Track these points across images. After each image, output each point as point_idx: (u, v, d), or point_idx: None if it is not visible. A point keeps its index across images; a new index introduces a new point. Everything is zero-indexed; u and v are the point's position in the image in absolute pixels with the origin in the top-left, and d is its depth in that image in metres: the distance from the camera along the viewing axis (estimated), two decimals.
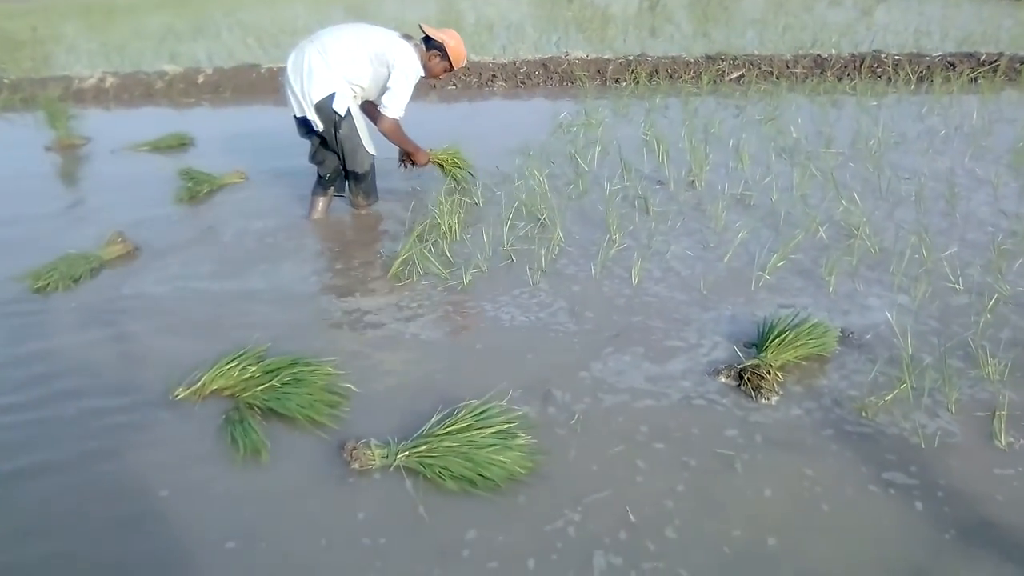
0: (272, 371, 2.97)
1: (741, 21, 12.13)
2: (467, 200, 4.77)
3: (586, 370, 2.98)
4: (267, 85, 8.98)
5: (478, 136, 6.23)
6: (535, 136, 6.33)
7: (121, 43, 13.29)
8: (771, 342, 2.97)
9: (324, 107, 4.41)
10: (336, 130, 4.49)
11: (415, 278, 3.82)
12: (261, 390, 2.87)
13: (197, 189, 5.30)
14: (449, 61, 4.72)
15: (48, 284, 3.99)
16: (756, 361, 2.89)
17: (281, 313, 3.61)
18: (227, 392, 2.96)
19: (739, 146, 5.59)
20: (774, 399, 2.77)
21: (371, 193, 4.93)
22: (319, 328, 3.45)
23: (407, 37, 4.63)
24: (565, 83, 8.86)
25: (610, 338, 3.20)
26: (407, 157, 5.01)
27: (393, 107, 4.54)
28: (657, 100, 7.39)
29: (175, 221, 4.90)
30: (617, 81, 8.68)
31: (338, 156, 4.68)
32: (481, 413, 2.60)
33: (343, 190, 4.97)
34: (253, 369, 2.99)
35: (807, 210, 4.40)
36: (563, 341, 3.20)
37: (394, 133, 4.68)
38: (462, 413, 2.60)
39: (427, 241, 4.14)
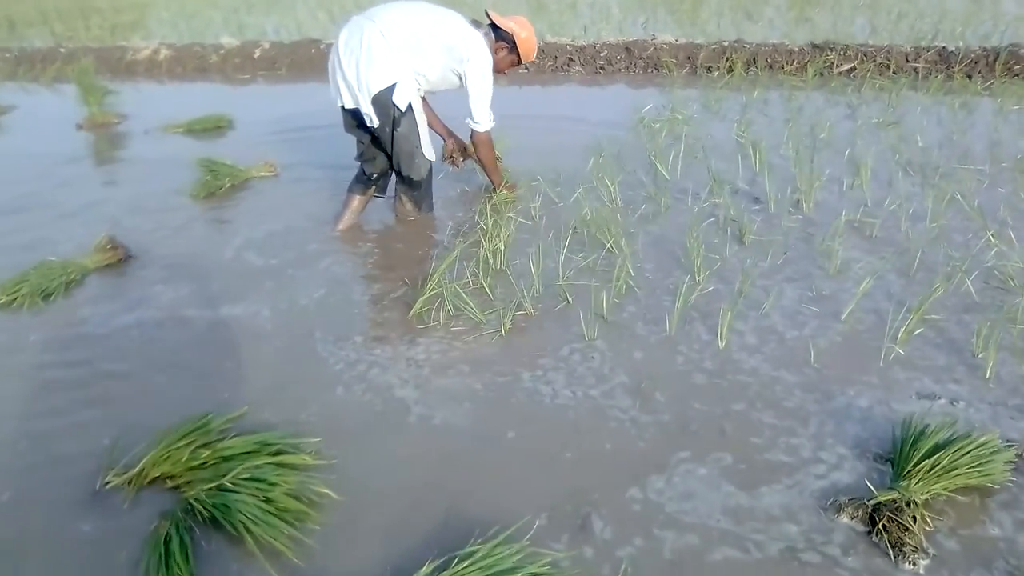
0: (230, 458, 2.23)
1: (848, 6, 10.89)
2: (519, 218, 3.92)
3: (642, 487, 2.16)
4: (324, 61, 8.28)
5: (546, 128, 5.41)
6: (611, 131, 5.48)
7: (194, 11, 12.85)
8: (915, 464, 2.08)
9: (383, 99, 3.70)
10: (394, 127, 3.78)
11: (442, 319, 3.03)
12: (207, 490, 2.12)
13: (217, 183, 4.62)
14: (518, 55, 4.03)
15: (15, 299, 3.35)
16: (895, 494, 2.01)
17: (270, 359, 2.89)
18: (171, 483, 2.23)
19: (855, 157, 4.62)
20: (922, 563, 1.89)
21: (423, 202, 4.19)
22: (310, 387, 2.71)
23: (476, 24, 3.91)
24: (650, 70, 7.92)
25: (682, 436, 2.36)
26: (456, 154, 4.33)
27: (483, 117, 3.92)
28: (755, 94, 6.41)
29: (182, 222, 4.23)
30: (709, 70, 7.69)
31: (389, 158, 3.96)
32: (490, 563, 1.80)
33: (385, 192, 4.26)
34: (207, 454, 2.25)
35: (948, 250, 3.44)
36: (618, 436, 2.38)
37: (487, 150, 4.08)
38: (466, 565, 1.79)
39: (464, 268, 3.34)
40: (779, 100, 6.32)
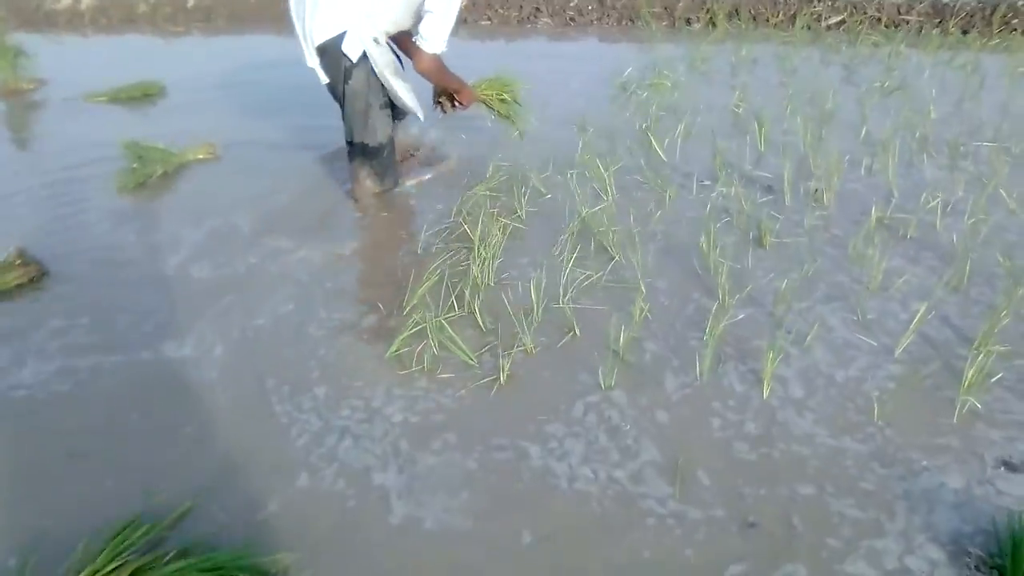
0: None
1: None
2: (504, 219, 3.38)
3: None
4: (267, 11, 7.52)
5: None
6: (592, 98, 4.95)
7: None
8: None
9: (330, 49, 3.24)
10: (345, 81, 3.31)
11: (426, 362, 2.50)
12: None
13: (147, 172, 3.99)
14: None
15: None
16: None
17: (216, 426, 2.36)
18: None
19: (870, 133, 4.15)
20: None
21: (386, 174, 3.66)
22: (268, 471, 2.17)
23: None
24: (624, 22, 7.32)
25: (739, 539, 1.89)
26: (447, 96, 3.77)
27: (434, 38, 3.32)
28: (743, 52, 5.86)
29: (108, 224, 3.59)
30: (688, 23, 7.13)
31: (345, 120, 3.47)
32: None
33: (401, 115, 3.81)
34: None
35: (1002, 255, 2.99)
36: (658, 538, 1.92)
37: (435, 71, 3.49)
38: None
39: (447, 286, 2.81)
40: (770, 59, 5.80)
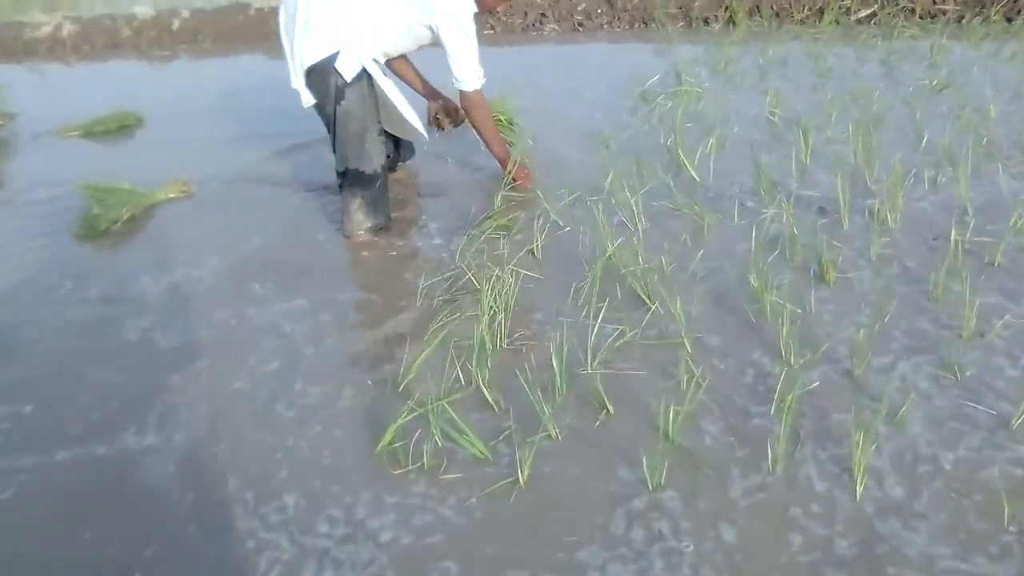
0: None
1: None
2: (514, 256, 2.88)
3: None
4: (256, 31, 7.08)
5: (528, 109, 4.29)
6: (610, 109, 4.46)
7: None
8: None
9: (321, 71, 2.93)
10: (337, 102, 3.04)
11: (425, 458, 2.00)
12: None
13: (110, 216, 3.50)
14: None
15: None
16: None
17: (171, 553, 1.84)
18: None
19: (929, 139, 3.63)
20: None
21: (378, 206, 3.24)
22: None
23: None
24: (637, 24, 6.82)
25: None
26: (445, 113, 3.60)
27: (468, 77, 3.17)
28: (770, 52, 5.34)
29: (54, 282, 3.11)
30: (707, 22, 6.61)
31: (334, 145, 3.16)
32: None
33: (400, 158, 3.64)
34: None
35: None
36: None
37: (482, 113, 3.32)
38: None
39: (450, 351, 2.31)
40: (800, 59, 5.28)
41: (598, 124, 4.20)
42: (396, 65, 3.48)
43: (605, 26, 6.88)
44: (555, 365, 2.24)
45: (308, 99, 3.12)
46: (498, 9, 3.32)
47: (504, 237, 3.06)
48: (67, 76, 7.00)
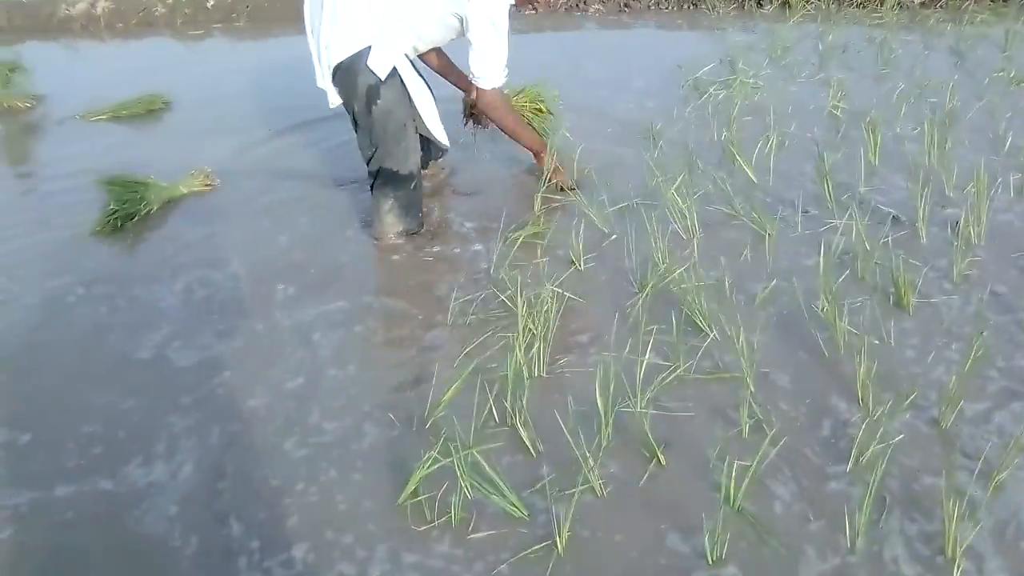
0: None
1: None
2: (554, 270, 2.63)
3: None
4: (291, 8, 6.80)
5: (570, 104, 4.00)
6: (660, 100, 4.15)
7: None
8: None
9: (350, 68, 2.69)
10: (370, 102, 2.78)
11: (453, 512, 1.77)
12: None
13: (130, 210, 3.31)
14: None
15: None
16: None
17: None
18: None
19: (1009, 137, 3.30)
20: None
21: (411, 210, 3.03)
22: None
23: None
24: (687, 6, 6.47)
25: None
26: (476, 114, 3.28)
27: (488, 74, 2.88)
28: (829, 38, 4.98)
29: (63, 288, 2.90)
30: (760, 4, 6.24)
31: (369, 145, 2.90)
32: None
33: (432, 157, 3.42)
34: None
35: None
36: None
37: (501, 110, 3.03)
38: None
39: (479, 384, 2.08)
40: (863, 46, 4.93)
41: (647, 116, 3.91)
42: (427, 56, 3.23)
43: (652, 7, 6.55)
44: (599, 404, 1.98)
45: (335, 99, 2.90)
46: (536, 3, 3.04)
47: (543, 246, 2.80)
48: (99, 54, 6.83)
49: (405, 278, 2.80)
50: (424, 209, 3.11)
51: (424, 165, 3.42)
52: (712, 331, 2.29)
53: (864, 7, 5.88)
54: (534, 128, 3.34)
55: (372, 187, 3.01)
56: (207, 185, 3.60)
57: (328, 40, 2.77)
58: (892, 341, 2.24)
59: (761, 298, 2.47)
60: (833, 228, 2.81)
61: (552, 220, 3.00)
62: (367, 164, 3.00)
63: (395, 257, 2.94)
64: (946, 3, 5.77)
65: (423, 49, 3.04)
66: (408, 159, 2.93)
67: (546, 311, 2.34)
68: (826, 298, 2.34)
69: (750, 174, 3.24)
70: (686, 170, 3.19)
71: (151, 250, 3.13)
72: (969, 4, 5.56)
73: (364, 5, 2.71)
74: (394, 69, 2.79)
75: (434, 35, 2.95)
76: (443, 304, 2.57)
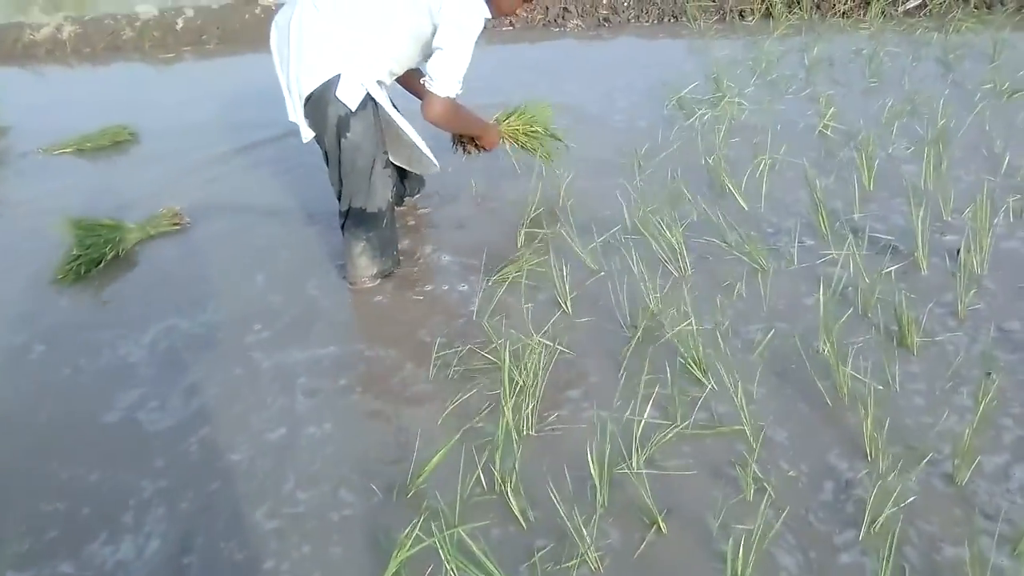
0: None
1: None
2: (541, 314, 2.49)
3: None
4: (263, 29, 6.65)
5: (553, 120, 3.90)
6: (644, 119, 4.03)
7: None
8: None
9: (320, 99, 2.56)
10: (341, 134, 2.65)
11: None
12: None
13: (94, 255, 3.16)
14: None
15: None
16: None
17: None
18: None
19: (1006, 155, 3.21)
20: None
21: (386, 249, 2.89)
22: None
23: None
24: (667, 19, 6.38)
25: None
26: (469, 139, 3.06)
27: (445, 78, 2.62)
28: (815, 51, 4.89)
29: (19, 344, 2.74)
30: (742, 15, 6.15)
31: (338, 181, 2.77)
32: None
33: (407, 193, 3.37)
34: None
35: None
36: None
37: (448, 118, 2.74)
38: None
39: (465, 449, 1.95)
40: (849, 57, 4.83)
41: (631, 139, 3.80)
42: (405, 78, 3.09)
43: (632, 21, 6.45)
44: (593, 469, 1.85)
45: (308, 133, 2.77)
46: (516, 13, 2.91)
47: (528, 286, 2.67)
48: (65, 81, 6.67)
49: (384, 324, 2.66)
50: (402, 245, 2.98)
51: (399, 201, 3.29)
52: (709, 381, 2.17)
53: (849, 16, 5.79)
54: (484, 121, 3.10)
55: (343, 227, 2.87)
56: (176, 224, 3.46)
57: (297, 71, 2.64)
58: (897, 386, 2.12)
59: (758, 342, 2.33)
60: (830, 260, 2.69)
61: (536, 256, 2.86)
62: (338, 201, 2.86)
63: (375, 299, 2.81)
64: (931, 11, 5.69)
65: (400, 71, 2.90)
66: (376, 196, 2.79)
67: (534, 362, 2.20)
68: (826, 340, 2.21)
69: (741, 201, 3.12)
70: (673, 199, 3.06)
71: (118, 299, 2.98)
72: (955, 13, 5.47)
73: (329, 32, 2.59)
74: (366, 98, 2.65)
75: (412, 55, 2.80)
76: (425, 353, 2.43)
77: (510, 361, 2.13)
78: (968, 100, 3.98)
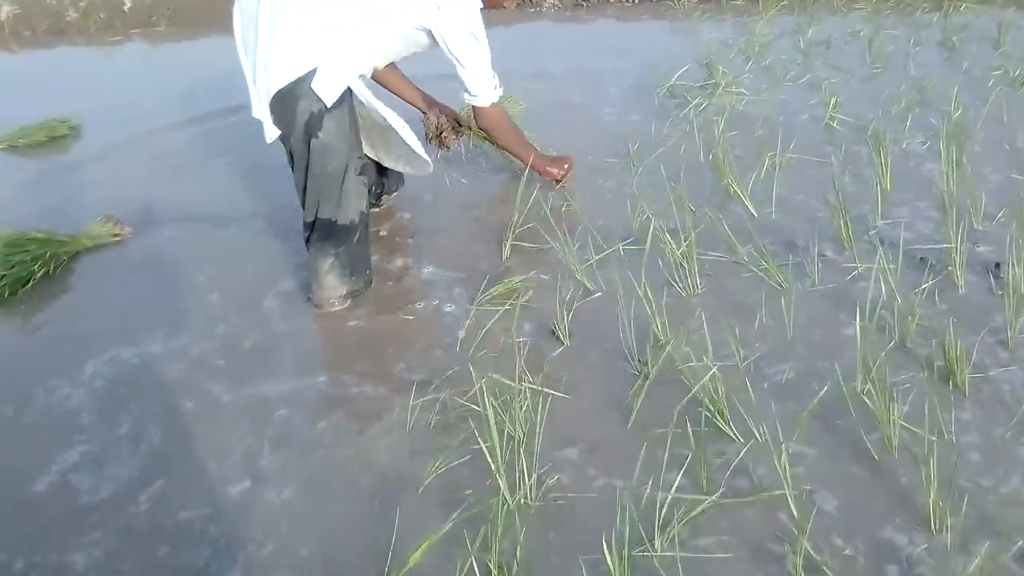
0: None
1: None
2: (533, 349, 2.17)
3: None
4: (215, 9, 6.23)
5: (534, 113, 3.55)
6: (634, 111, 3.73)
7: None
8: None
9: (290, 95, 2.27)
10: (311, 134, 2.31)
11: None
12: None
13: (21, 275, 2.77)
14: None
15: None
16: None
17: None
18: None
19: None
20: None
21: (357, 267, 2.53)
22: None
23: None
24: None
25: None
26: (447, 127, 2.98)
27: (482, 90, 2.62)
28: (809, 33, 4.58)
29: None
30: None
31: (304, 187, 2.41)
32: None
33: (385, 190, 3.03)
34: None
35: None
36: None
37: (503, 128, 2.81)
38: None
39: (463, 546, 1.64)
40: (847, 40, 4.55)
41: (623, 133, 3.49)
42: (381, 74, 2.75)
43: (612, 0, 6.07)
44: (607, 554, 1.53)
45: (272, 132, 2.40)
46: (504, 5, 2.59)
47: (519, 308, 2.33)
48: (2, 67, 6.16)
49: (356, 357, 2.32)
50: (376, 257, 2.64)
51: (377, 200, 2.96)
52: (735, 434, 1.85)
53: None
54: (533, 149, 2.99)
55: (308, 241, 2.51)
56: (116, 236, 3.08)
57: (266, 60, 2.28)
58: (953, 436, 1.82)
59: (787, 381, 2.03)
60: (857, 275, 2.39)
61: (526, 272, 2.53)
62: (303, 210, 2.50)
63: (346, 325, 2.46)
64: None
65: (381, 65, 2.59)
66: (348, 206, 2.45)
67: (524, 409, 1.87)
68: (864, 378, 1.91)
69: (749, 206, 2.81)
70: (674, 203, 2.74)
71: (50, 327, 2.59)
72: None
73: (311, 16, 2.24)
74: (344, 94, 2.33)
75: (395, 50, 2.54)
76: (402, 394, 2.10)
77: (500, 411, 1.80)
78: (979, 88, 3.71)
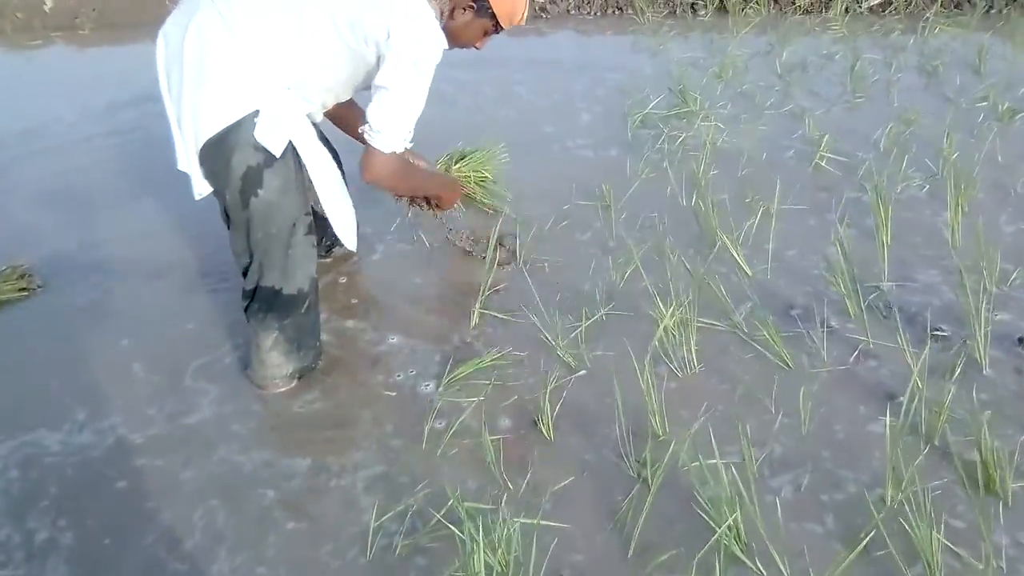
0: None
1: None
2: (509, 443, 1.87)
3: None
4: (145, 13, 5.76)
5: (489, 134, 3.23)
6: (605, 144, 3.47)
7: None
8: None
9: (222, 144, 1.91)
10: (250, 191, 1.96)
11: None
12: None
13: None
14: (494, 19, 2.13)
15: None
16: None
17: None
18: None
19: None
20: None
21: (303, 344, 2.19)
22: None
23: None
24: (611, 11, 5.75)
25: None
26: (425, 201, 2.46)
27: (389, 131, 2.06)
28: (784, 55, 4.35)
29: None
30: (694, 9, 5.56)
31: (244, 251, 2.07)
32: None
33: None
34: None
35: None
36: None
37: (395, 180, 2.26)
38: None
39: None
40: (823, 63, 4.33)
41: (595, 171, 3.20)
42: (339, 112, 2.38)
43: (573, 12, 5.78)
44: None
45: (203, 187, 2.02)
46: (477, 47, 2.25)
47: (491, 390, 2.02)
48: None
49: (304, 453, 1.98)
50: (327, 318, 2.30)
51: (327, 252, 2.62)
52: (755, 564, 1.56)
53: (810, 13, 5.28)
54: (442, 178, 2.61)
55: (247, 310, 2.15)
56: (24, 290, 2.69)
57: (193, 103, 1.91)
58: (1003, 563, 1.56)
59: (806, 490, 1.75)
60: (866, 353, 2.14)
61: (499, 345, 2.21)
62: (243, 276, 2.14)
63: (292, 410, 2.11)
64: (897, 8, 5.23)
65: (331, 105, 2.23)
66: (295, 274, 2.10)
67: (508, 536, 1.56)
68: (894, 488, 1.65)
69: (742, 263, 2.55)
70: (658, 258, 2.45)
71: None
72: (928, 15, 5.02)
73: (242, 54, 1.88)
74: (290, 145, 1.98)
75: (352, 85, 2.17)
76: (361, 510, 1.76)
77: (478, 538, 1.49)
78: (968, 122, 3.52)
